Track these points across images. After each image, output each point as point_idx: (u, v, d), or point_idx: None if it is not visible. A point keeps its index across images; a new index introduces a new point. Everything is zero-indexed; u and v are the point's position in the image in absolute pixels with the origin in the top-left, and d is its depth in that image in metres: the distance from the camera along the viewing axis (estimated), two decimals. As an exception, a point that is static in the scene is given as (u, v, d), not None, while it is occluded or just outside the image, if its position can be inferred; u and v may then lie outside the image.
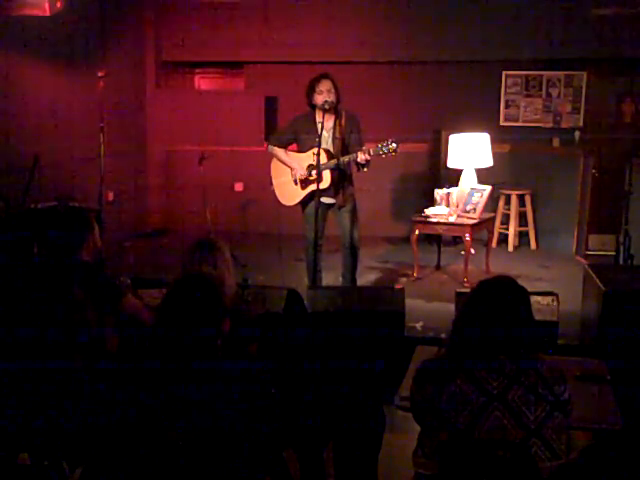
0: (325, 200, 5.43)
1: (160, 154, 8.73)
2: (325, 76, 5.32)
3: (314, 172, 5.20)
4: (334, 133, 5.35)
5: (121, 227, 7.70)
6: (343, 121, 5.36)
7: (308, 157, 5.36)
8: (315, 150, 5.15)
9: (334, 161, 5.28)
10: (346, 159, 5.26)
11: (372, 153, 5.13)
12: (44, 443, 2.18)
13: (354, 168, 5.42)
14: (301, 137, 5.43)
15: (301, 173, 5.42)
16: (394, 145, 5.11)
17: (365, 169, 5.27)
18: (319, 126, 5.23)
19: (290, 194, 5.56)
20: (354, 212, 5.52)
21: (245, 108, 8.46)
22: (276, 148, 5.57)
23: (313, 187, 5.26)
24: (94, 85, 6.57)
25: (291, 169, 5.51)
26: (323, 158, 5.26)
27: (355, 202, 5.54)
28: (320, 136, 5.17)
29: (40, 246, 5.20)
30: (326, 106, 5.18)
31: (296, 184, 5.50)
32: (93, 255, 3.68)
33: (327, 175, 5.32)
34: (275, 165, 5.65)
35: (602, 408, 2.81)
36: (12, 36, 6.40)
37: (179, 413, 2.16)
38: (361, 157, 5.13)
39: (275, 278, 6.07)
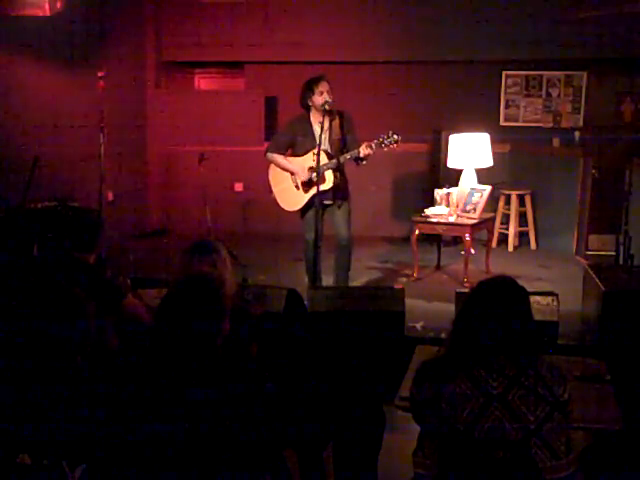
0: (325, 201, 5.43)
1: (160, 154, 8.72)
2: (324, 77, 5.34)
3: (314, 174, 5.20)
4: (331, 134, 5.36)
5: (121, 227, 7.70)
6: (339, 121, 5.38)
7: (308, 159, 5.35)
8: (315, 151, 5.16)
9: (334, 161, 5.28)
10: (347, 156, 5.26)
11: (374, 147, 5.15)
12: (44, 443, 2.18)
13: (350, 165, 5.42)
14: (298, 140, 5.41)
15: (303, 176, 5.40)
16: (395, 137, 5.15)
17: (364, 162, 5.29)
18: (318, 127, 5.25)
19: (293, 199, 5.50)
20: (349, 210, 5.53)
21: (245, 108, 8.45)
22: (275, 155, 5.51)
23: (316, 189, 5.25)
24: (94, 85, 6.57)
25: (291, 174, 5.48)
26: (323, 158, 5.26)
27: (349, 202, 5.55)
28: (321, 137, 5.17)
29: (40, 246, 5.20)
30: (327, 107, 5.19)
31: (298, 188, 5.46)
32: (95, 255, 3.70)
33: (330, 175, 5.31)
34: (273, 172, 5.61)
35: (602, 408, 2.81)
36: (12, 36, 6.41)
37: (179, 413, 2.16)
38: (364, 151, 5.15)
39: (275, 278, 6.07)
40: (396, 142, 5.16)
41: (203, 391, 2.18)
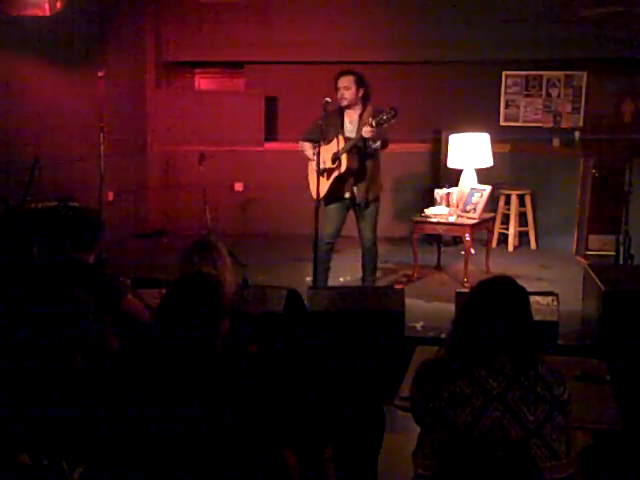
0: (345, 195, 5.51)
1: (160, 154, 8.72)
2: (345, 73, 5.41)
3: (336, 161, 5.36)
4: (359, 127, 5.38)
5: (121, 227, 7.70)
6: (367, 115, 5.37)
7: (332, 147, 5.42)
8: (340, 138, 5.33)
9: (349, 143, 5.34)
10: (354, 140, 5.32)
11: (374, 125, 5.17)
12: (44, 443, 2.18)
13: (382, 164, 5.54)
14: (328, 130, 5.44)
15: (323, 164, 5.40)
16: (392, 112, 5.15)
17: (377, 144, 5.32)
18: (348, 120, 5.42)
19: (320, 187, 5.50)
20: (371, 214, 5.56)
21: (245, 108, 8.46)
22: (304, 142, 5.58)
23: (335, 174, 5.41)
24: (94, 85, 6.57)
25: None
26: (342, 145, 5.37)
27: (377, 204, 5.59)
28: (342, 129, 5.38)
29: (40, 246, 5.20)
30: (343, 103, 5.32)
31: (323, 176, 5.47)
32: (94, 255, 3.70)
33: (344, 159, 5.37)
34: (309, 164, 5.64)
35: (602, 408, 2.81)
36: (12, 36, 6.40)
37: (179, 413, 2.16)
38: (366, 130, 5.19)
39: (275, 278, 6.07)
40: (394, 117, 5.15)
41: (203, 391, 2.18)
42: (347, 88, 5.33)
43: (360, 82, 5.36)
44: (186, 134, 8.47)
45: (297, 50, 8.16)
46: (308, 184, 5.60)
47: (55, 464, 2.14)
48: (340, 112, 5.46)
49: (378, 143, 5.33)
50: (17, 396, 2.24)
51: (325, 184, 5.50)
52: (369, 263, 5.69)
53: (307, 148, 5.56)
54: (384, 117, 5.14)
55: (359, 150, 5.39)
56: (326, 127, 5.39)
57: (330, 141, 5.42)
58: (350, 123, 5.45)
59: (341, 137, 5.37)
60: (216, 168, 7.53)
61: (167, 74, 8.93)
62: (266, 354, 3.22)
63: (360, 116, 5.41)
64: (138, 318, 3.52)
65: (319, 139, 5.37)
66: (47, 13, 6.03)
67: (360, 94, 5.39)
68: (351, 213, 5.67)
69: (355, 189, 5.50)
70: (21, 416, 2.21)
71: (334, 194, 5.50)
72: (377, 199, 5.59)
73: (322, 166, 5.48)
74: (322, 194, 5.48)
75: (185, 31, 8.52)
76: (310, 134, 5.53)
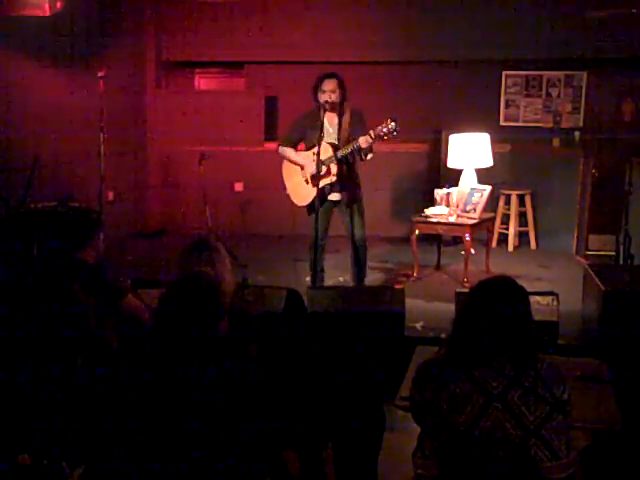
0: (331, 197, 5.45)
1: (160, 154, 8.72)
2: (330, 75, 5.33)
3: (323, 168, 5.26)
4: (340, 129, 5.36)
5: (121, 227, 7.70)
6: (348, 117, 5.36)
7: (316, 154, 5.35)
8: (322, 145, 5.19)
9: (337, 153, 5.28)
10: (348, 149, 5.25)
11: (373, 136, 5.11)
12: (44, 443, 2.18)
13: (360, 164, 5.43)
14: (308, 133, 5.40)
15: (311, 170, 5.35)
16: (393, 124, 5.07)
17: (370, 156, 5.29)
18: (327, 123, 5.30)
19: (304, 194, 5.49)
20: (360, 212, 5.53)
21: (245, 108, 8.46)
22: (285, 148, 5.54)
23: (323, 182, 5.32)
24: (94, 85, 6.57)
25: (301, 168, 5.48)
26: (329, 152, 5.30)
27: (362, 202, 5.55)
28: (322, 132, 5.17)
29: (40, 246, 5.20)
30: (327, 106, 5.22)
31: (307, 183, 5.45)
32: (94, 255, 3.70)
33: (334, 168, 5.34)
34: (286, 167, 5.61)
35: (602, 408, 2.81)
36: (12, 36, 6.40)
37: (178, 413, 2.16)
38: (363, 140, 5.12)
39: (275, 278, 6.07)
40: (395, 130, 5.07)
41: (202, 392, 2.18)
42: (333, 91, 5.28)
43: (342, 85, 5.33)
44: (186, 134, 8.47)
45: (297, 50, 8.16)
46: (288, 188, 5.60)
47: (55, 464, 2.15)
48: (319, 115, 5.30)
49: (370, 155, 5.31)
50: (17, 397, 2.24)
51: (310, 191, 5.39)
52: (362, 258, 5.64)
53: (289, 153, 5.52)
54: (384, 130, 5.07)
55: (346, 158, 5.33)
56: (310, 129, 5.33)
57: (312, 146, 5.29)
58: (330, 127, 5.37)
59: (325, 144, 5.27)
60: (216, 168, 7.53)
61: (167, 74, 8.93)
62: (266, 354, 3.22)
63: (339, 120, 5.37)
64: (138, 318, 3.52)
65: (302, 139, 5.36)
66: (47, 13, 6.03)
67: (341, 97, 5.37)
68: (335, 214, 5.62)
69: (341, 193, 5.45)
70: (21, 416, 2.21)
71: (320, 199, 5.43)
72: (359, 199, 5.54)
73: (303, 174, 5.45)
74: (307, 201, 5.44)
75: (185, 31, 8.52)
76: (292, 138, 5.53)
